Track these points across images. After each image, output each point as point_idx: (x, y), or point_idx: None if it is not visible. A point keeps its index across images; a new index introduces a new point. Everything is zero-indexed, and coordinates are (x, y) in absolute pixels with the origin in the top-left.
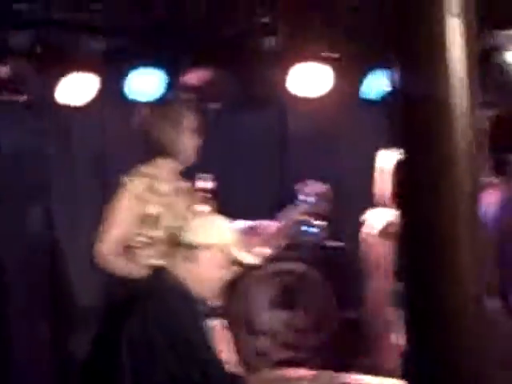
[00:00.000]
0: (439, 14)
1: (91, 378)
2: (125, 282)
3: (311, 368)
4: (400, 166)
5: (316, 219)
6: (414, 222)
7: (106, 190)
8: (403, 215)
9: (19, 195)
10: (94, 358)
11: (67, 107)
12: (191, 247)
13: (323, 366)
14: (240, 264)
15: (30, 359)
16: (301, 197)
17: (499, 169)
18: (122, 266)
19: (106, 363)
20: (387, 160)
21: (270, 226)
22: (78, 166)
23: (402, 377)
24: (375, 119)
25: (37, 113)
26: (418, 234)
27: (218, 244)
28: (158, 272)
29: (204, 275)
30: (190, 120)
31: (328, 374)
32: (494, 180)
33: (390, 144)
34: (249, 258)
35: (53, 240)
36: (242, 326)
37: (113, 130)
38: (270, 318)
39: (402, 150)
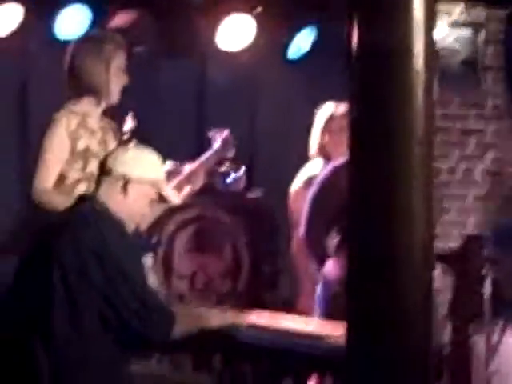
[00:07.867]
0: None
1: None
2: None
3: None
4: (353, 123)
5: (235, 167)
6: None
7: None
8: (352, 171)
9: None
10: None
11: None
12: (123, 179)
13: None
14: (166, 201)
15: None
16: (214, 144)
17: None
18: (59, 201)
19: (34, 288)
20: (319, 115)
21: (190, 168)
22: None
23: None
24: (298, 77)
25: None
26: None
27: (150, 179)
28: (87, 199)
29: (133, 208)
30: (119, 59)
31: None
32: None
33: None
34: (175, 197)
35: None
36: (162, 268)
37: (35, 67)
38: (186, 261)
39: (356, 105)
